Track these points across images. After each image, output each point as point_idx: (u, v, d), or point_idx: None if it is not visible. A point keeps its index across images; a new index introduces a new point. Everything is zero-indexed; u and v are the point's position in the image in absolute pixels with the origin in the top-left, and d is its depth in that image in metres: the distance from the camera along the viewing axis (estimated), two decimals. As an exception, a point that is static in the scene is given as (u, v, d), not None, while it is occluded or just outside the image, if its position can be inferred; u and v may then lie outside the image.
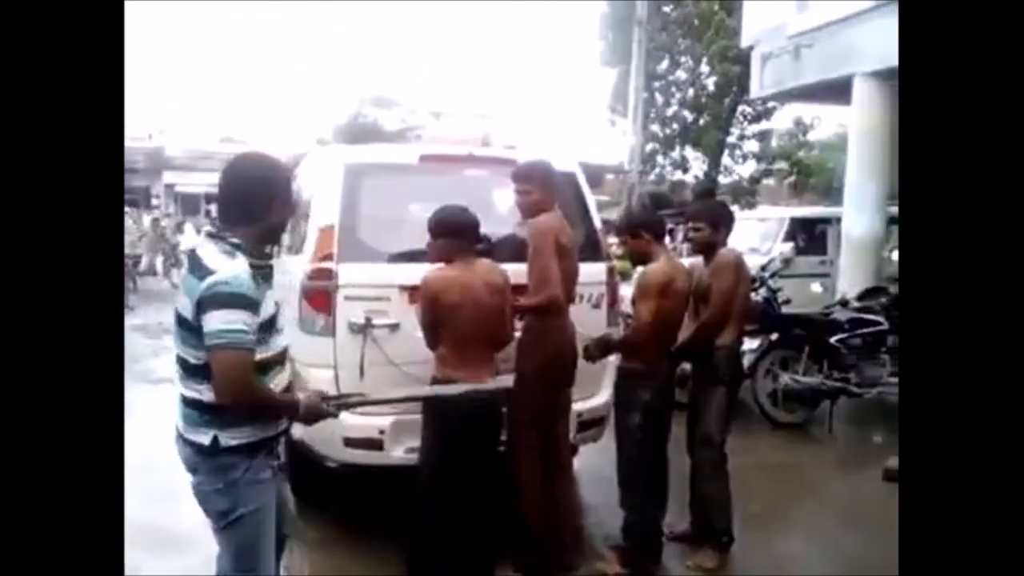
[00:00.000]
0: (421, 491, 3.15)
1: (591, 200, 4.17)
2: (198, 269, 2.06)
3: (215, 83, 56.52)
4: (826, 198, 20.35)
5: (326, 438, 3.64)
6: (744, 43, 10.13)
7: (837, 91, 8.37)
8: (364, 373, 3.41)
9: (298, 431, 3.86)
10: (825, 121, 20.62)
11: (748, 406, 5.84)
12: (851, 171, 8.19)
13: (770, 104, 17.95)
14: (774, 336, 6.06)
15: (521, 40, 66.36)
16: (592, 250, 3.91)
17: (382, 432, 3.42)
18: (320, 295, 3.53)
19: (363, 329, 3.45)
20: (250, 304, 2.05)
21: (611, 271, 4.08)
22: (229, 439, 2.13)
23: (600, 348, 3.46)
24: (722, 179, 20.74)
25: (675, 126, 20.19)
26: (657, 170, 20.25)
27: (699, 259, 3.75)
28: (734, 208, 6.63)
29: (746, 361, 5.25)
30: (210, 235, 2.18)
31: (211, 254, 2.08)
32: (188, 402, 2.15)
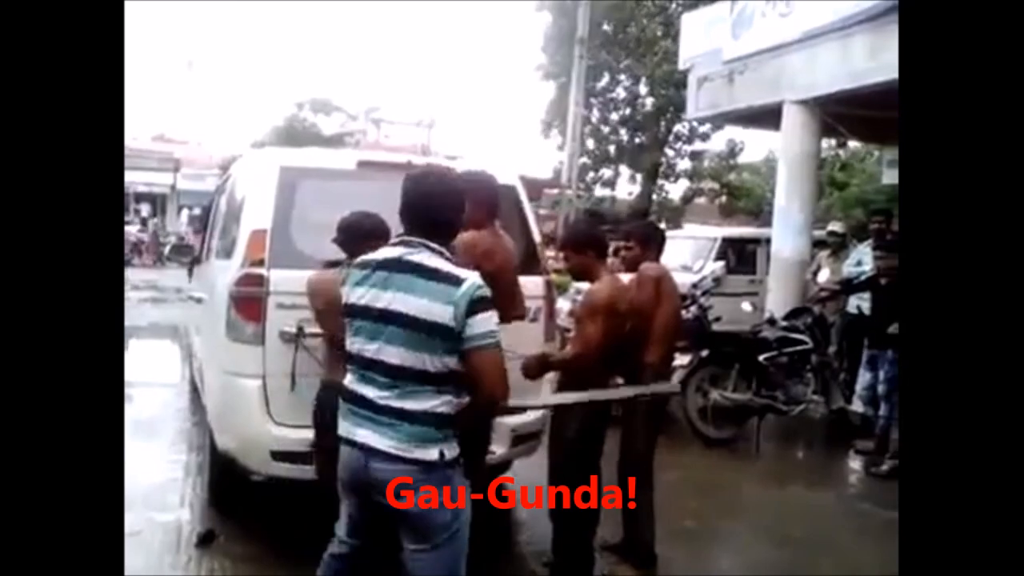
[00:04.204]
0: None
1: (531, 214, 4.18)
2: (437, 276, 2.06)
3: (147, 79, 54.77)
4: (755, 219, 21.00)
5: (252, 451, 3.53)
6: (681, 65, 10.37)
7: (768, 117, 8.65)
8: (295, 384, 3.33)
9: (222, 442, 3.74)
10: (752, 146, 21.33)
11: (678, 422, 5.93)
12: (779, 194, 8.46)
13: (705, 126, 18.42)
14: (704, 353, 6.17)
15: (464, 52, 66.50)
16: (531, 263, 3.91)
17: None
18: (250, 302, 3.42)
19: (294, 339, 3.37)
20: None
21: (549, 285, 4.08)
22: (449, 451, 2.12)
23: (539, 367, 3.39)
24: (654, 197, 21.14)
25: (611, 148, 20.43)
26: (581, 187, 20.33)
27: (633, 276, 3.80)
28: (664, 227, 6.77)
29: (677, 377, 5.33)
30: (409, 243, 2.15)
31: (439, 262, 2.10)
32: (420, 416, 2.09)
